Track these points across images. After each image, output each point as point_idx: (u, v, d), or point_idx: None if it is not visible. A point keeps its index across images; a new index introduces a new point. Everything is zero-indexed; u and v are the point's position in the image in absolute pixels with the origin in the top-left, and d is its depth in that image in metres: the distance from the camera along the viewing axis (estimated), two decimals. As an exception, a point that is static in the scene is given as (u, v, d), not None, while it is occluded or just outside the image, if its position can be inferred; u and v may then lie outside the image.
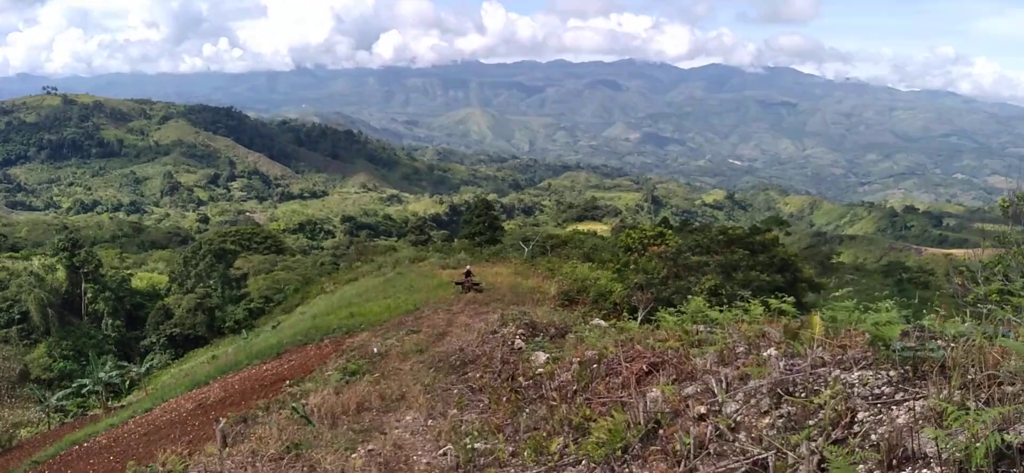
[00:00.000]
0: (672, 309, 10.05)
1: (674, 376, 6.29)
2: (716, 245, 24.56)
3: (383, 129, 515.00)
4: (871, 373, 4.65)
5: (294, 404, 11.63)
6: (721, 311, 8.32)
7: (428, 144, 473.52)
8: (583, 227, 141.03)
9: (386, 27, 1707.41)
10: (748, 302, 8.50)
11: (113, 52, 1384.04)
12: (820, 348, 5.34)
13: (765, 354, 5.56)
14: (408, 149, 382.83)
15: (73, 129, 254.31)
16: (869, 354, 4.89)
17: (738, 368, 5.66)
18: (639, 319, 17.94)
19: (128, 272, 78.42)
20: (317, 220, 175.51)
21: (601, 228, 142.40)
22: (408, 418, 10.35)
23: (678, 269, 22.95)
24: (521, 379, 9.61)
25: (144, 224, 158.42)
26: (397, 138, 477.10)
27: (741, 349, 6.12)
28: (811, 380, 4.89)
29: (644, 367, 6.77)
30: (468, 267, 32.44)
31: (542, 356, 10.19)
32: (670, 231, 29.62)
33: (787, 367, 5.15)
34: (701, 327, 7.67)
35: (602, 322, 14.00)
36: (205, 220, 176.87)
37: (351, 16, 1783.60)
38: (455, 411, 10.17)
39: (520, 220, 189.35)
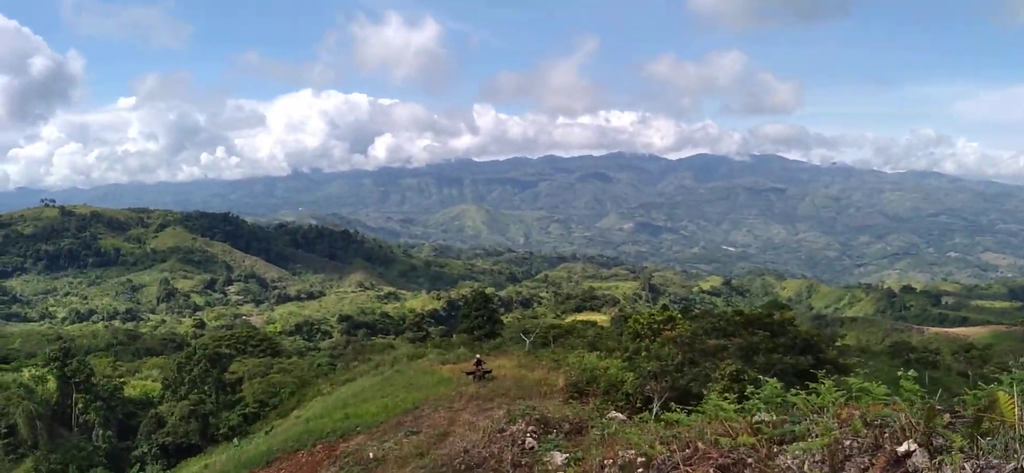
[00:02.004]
0: (694, 399, 8.99)
1: None
2: (734, 327, 23.50)
3: (379, 228, 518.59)
4: None
5: None
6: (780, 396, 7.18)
7: (424, 241, 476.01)
8: (582, 317, 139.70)
9: (381, 131, 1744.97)
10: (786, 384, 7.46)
11: (112, 163, 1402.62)
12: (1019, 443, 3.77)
13: (902, 450, 4.18)
14: (404, 246, 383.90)
15: (70, 239, 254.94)
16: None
17: None
18: (654, 410, 16.82)
19: (121, 380, 76.59)
20: (314, 321, 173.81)
21: (600, 318, 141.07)
22: None
23: (694, 354, 21.82)
24: None
25: (140, 331, 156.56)
26: (393, 236, 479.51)
27: (850, 443, 4.79)
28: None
29: (711, 470, 5.55)
30: (478, 356, 31.52)
31: (559, 457, 9.08)
32: (679, 315, 28.62)
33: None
34: (761, 417, 6.50)
35: (619, 414, 12.91)
36: (201, 325, 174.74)
37: (346, 121, 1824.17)
38: None
39: (519, 312, 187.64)
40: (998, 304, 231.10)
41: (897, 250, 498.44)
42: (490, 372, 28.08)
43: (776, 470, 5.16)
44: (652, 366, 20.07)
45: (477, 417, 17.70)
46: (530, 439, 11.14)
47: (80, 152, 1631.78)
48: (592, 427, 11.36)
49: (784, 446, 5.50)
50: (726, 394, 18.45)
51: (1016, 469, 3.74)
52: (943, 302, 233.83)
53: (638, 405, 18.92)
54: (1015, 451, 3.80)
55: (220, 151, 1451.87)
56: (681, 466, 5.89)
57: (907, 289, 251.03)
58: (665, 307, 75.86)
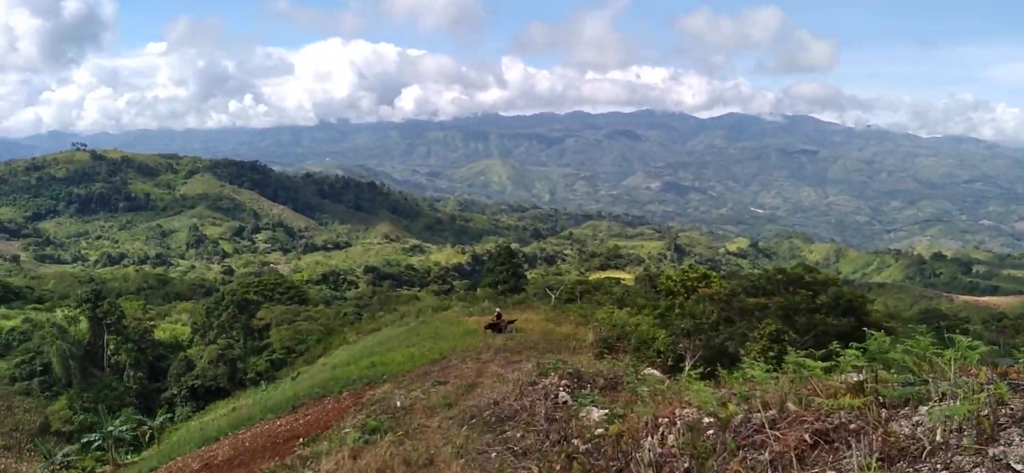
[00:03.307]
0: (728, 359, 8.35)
1: (875, 453, 4.16)
2: (774, 285, 22.65)
3: (405, 181, 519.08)
4: None
5: None
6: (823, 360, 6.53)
7: (449, 195, 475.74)
8: (606, 275, 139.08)
9: (408, 82, 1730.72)
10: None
11: (142, 109, 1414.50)
12: None
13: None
14: (430, 200, 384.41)
15: (101, 184, 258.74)
16: None
17: None
18: (686, 369, 16.31)
19: (151, 323, 77.97)
20: (340, 271, 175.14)
21: (625, 277, 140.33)
22: None
23: (730, 313, 21.12)
24: (577, 442, 7.88)
25: (169, 276, 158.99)
26: (419, 189, 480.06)
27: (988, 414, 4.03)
28: None
29: (806, 436, 4.73)
30: (498, 310, 31.08)
31: (596, 413, 8.59)
32: (715, 274, 27.74)
33: None
34: (851, 376, 5.82)
35: (655, 372, 12.40)
36: (229, 272, 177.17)
37: (374, 72, 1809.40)
38: None
39: (542, 269, 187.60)
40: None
41: (929, 216, 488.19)
42: (513, 323, 27.48)
43: (896, 438, 4.39)
44: (686, 323, 19.48)
45: (505, 369, 17.33)
46: (563, 393, 10.68)
47: (111, 97, 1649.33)
48: (627, 383, 10.88)
49: (898, 410, 4.81)
50: (766, 354, 17.85)
51: None
52: (974, 270, 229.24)
53: (669, 363, 18.36)
54: None
55: (248, 99, 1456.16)
56: (767, 430, 5.09)
57: (938, 256, 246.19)
58: (690, 267, 75.08)
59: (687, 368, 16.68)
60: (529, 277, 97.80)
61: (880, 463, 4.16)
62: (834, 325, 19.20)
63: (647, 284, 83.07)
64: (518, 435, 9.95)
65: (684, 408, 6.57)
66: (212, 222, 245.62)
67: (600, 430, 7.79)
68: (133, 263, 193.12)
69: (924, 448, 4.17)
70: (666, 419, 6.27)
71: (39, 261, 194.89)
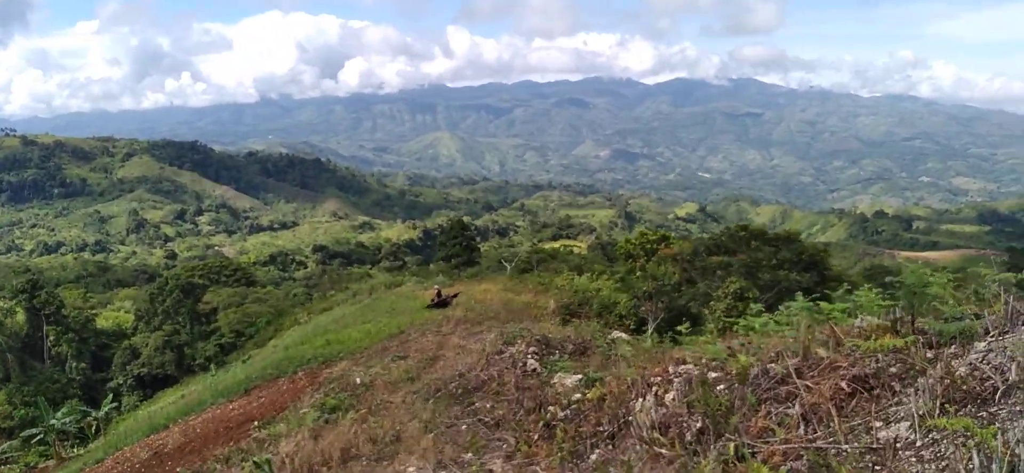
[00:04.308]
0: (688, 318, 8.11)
1: (938, 398, 3.71)
2: (736, 243, 22.65)
3: (352, 157, 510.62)
4: None
5: (257, 459, 9.24)
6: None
7: (398, 170, 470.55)
8: (558, 245, 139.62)
9: (351, 55, 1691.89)
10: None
11: (74, 91, 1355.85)
12: None
13: None
14: (378, 176, 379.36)
15: (34, 170, 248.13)
16: None
17: None
18: (649, 332, 16.17)
19: (93, 312, 75.34)
20: (288, 251, 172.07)
21: (578, 246, 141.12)
22: (411, 469, 8.01)
23: (693, 273, 21.02)
24: (554, 409, 7.51)
25: (110, 263, 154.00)
26: (367, 165, 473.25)
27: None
28: None
29: (843, 384, 4.27)
30: (437, 287, 30.93)
31: (570, 378, 8.24)
32: (673, 235, 27.66)
33: None
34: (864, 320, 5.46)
35: (623, 335, 12.14)
36: (173, 256, 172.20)
37: (315, 45, 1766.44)
38: (471, 455, 7.89)
39: (495, 241, 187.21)
40: (968, 228, 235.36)
41: (871, 175, 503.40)
42: (455, 297, 27.46)
43: (955, 377, 3.91)
44: (648, 286, 19.32)
45: (467, 341, 16.90)
46: (532, 361, 10.33)
47: (40, 79, 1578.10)
48: (598, 347, 10.57)
49: (942, 350, 4.45)
50: (730, 313, 17.83)
51: None
52: (914, 227, 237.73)
53: (631, 327, 18.22)
54: None
55: (186, 77, 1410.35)
56: (794, 379, 4.62)
57: (879, 214, 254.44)
58: (642, 234, 75.96)
59: (650, 330, 16.54)
60: (482, 250, 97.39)
61: (944, 407, 3.71)
62: (797, 281, 19.28)
63: (600, 252, 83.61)
64: (488, 405, 9.53)
65: (679, 365, 6.15)
66: (153, 206, 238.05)
67: (577, 395, 7.44)
68: (71, 251, 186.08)
69: (996, 387, 3.73)
70: (659, 378, 5.89)
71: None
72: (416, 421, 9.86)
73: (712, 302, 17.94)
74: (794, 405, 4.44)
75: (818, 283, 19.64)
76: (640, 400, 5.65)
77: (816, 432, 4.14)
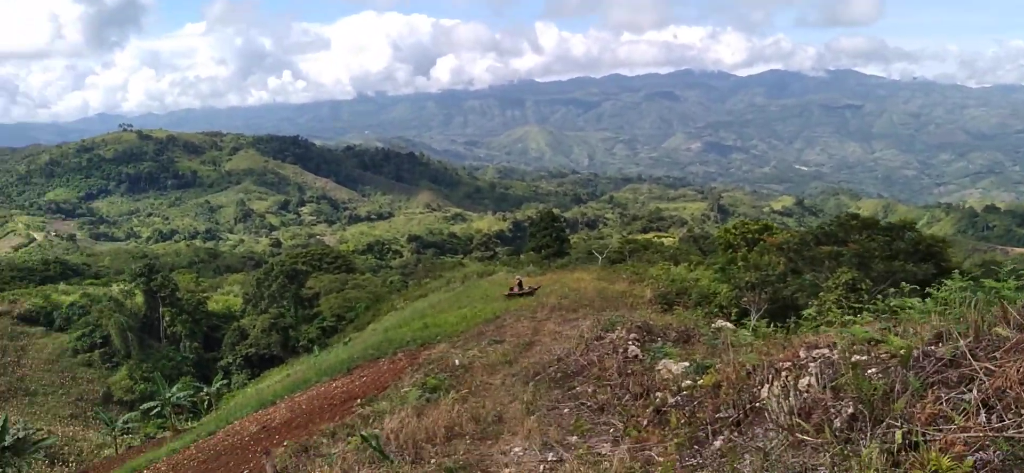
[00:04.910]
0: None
1: None
2: (846, 232, 21.54)
3: (444, 151, 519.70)
4: None
5: (364, 433, 9.48)
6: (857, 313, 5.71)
7: (488, 163, 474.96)
8: (649, 237, 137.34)
9: (443, 53, 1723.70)
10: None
11: (184, 89, 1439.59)
12: None
13: None
14: (469, 169, 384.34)
15: (149, 163, 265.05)
16: None
17: None
18: (752, 325, 15.63)
19: (204, 295, 79.66)
20: (384, 240, 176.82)
21: (668, 240, 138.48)
22: (516, 449, 7.97)
23: (798, 264, 20.14)
24: (664, 395, 7.32)
25: (219, 250, 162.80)
26: (458, 159, 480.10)
27: None
28: None
29: None
30: (519, 278, 30.93)
31: (676, 365, 8.03)
32: (776, 225, 26.65)
33: None
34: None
35: (727, 323, 11.80)
36: (277, 244, 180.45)
37: (408, 44, 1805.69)
38: (576, 438, 7.75)
39: (584, 233, 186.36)
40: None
41: (980, 168, 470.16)
42: (537, 288, 27.39)
43: None
44: (750, 276, 18.62)
45: (562, 327, 16.86)
46: (633, 347, 10.17)
47: (153, 78, 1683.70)
48: (702, 336, 10.30)
49: None
50: (841, 304, 17.06)
51: None
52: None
53: (732, 318, 17.69)
54: None
55: (287, 75, 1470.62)
56: (969, 361, 4.23)
57: (990, 208, 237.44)
58: (743, 223, 73.84)
59: (753, 321, 16.01)
60: (572, 241, 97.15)
61: None
62: (913, 272, 18.12)
63: (693, 244, 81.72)
64: (589, 390, 9.40)
65: (811, 350, 5.76)
66: (258, 197, 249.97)
67: (688, 381, 7.22)
68: (184, 238, 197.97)
69: None
70: (788, 363, 5.59)
71: (94, 239, 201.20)
72: (517, 403, 9.87)
73: (822, 293, 17.16)
74: (971, 389, 4.07)
75: (936, 275, 18.38)
76: (767, 386, 5.40)
77: (1002, 420, 3.76)
